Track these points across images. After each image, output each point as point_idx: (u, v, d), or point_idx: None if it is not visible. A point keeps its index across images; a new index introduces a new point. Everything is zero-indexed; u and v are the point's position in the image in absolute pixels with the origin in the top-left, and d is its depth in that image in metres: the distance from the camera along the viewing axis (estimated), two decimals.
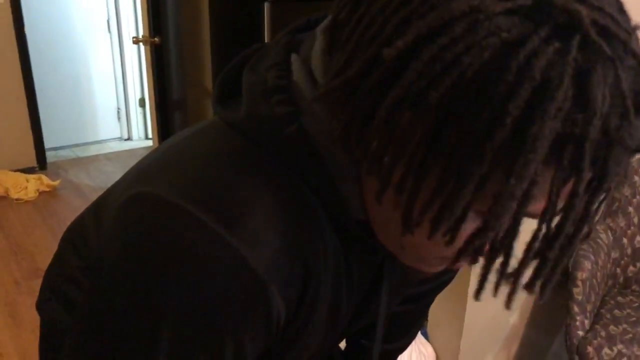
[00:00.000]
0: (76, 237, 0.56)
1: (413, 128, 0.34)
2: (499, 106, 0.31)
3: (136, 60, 4.09)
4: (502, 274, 0.37)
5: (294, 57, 0.45)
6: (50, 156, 3.69)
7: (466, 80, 0.32)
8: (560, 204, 0.35)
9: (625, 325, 1.48)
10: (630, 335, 1.44)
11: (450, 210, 0.35)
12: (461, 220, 0.35)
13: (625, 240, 1.64)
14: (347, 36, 0.38)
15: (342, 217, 0.46)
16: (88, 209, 0.57)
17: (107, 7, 3.95)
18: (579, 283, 1.41)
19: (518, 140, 0.32)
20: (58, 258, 0.60)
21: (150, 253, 0.40)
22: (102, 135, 4.21)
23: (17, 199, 3.11)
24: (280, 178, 0.43)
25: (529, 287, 0.38)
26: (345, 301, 0.52)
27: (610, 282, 1.64)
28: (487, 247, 0.37)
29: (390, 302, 0.61)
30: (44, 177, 3.32)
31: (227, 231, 0.39)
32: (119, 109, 4.24)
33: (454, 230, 0.36)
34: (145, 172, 0.45)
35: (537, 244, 0.37)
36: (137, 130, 4.28)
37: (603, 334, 1.43)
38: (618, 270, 1.66)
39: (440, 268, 0.48)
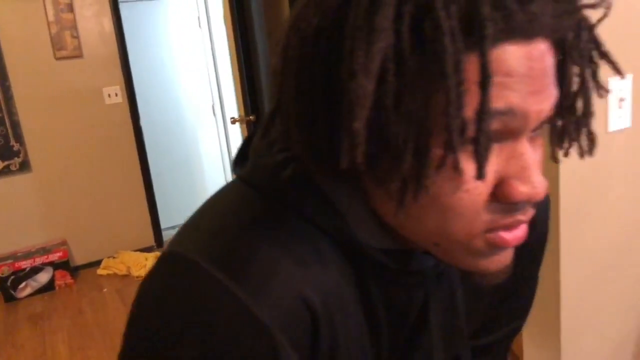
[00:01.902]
0: None
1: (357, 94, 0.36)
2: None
3: (239, 138, 4.37)
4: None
5: None
6: (166, 235, 3.98)
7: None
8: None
9: None
10: None
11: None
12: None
13: None
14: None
15: (361, 250, 0.46)
16: None
17: (212, 93, 4.32)
18: None
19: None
20: None
21: (161, 302, 0.43)
22: None
23: (137, 277, 3.37)
24: (284, 225, 0.44)
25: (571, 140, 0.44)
26: (369, 345, 0.50)
27: None
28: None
29: (447, 345, 0.56)
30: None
31: (230, 281, 0.41)
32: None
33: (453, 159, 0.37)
34: (178, 232, 0.49)
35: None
36: None
37: None
38: None
39: (487, 249, 0.43)
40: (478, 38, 0.33)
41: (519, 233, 0.42)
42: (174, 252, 0.45)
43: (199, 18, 4.26)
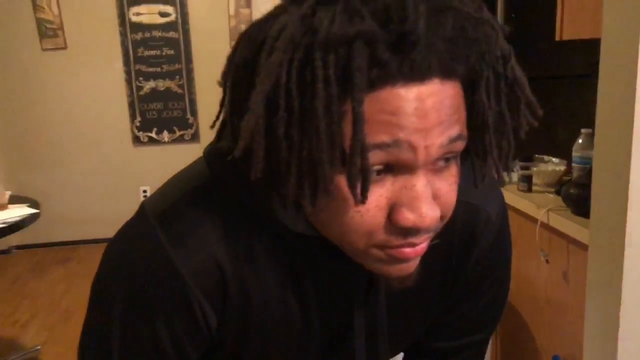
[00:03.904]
0: None
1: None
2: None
3: None
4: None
5: None
6: None
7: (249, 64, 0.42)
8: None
9: None
10: None
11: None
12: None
13: None
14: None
15: (286, 234, 0.50)
16: None
17: None
18: None
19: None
20: None
21: (115, 240, 0.55)
22: None
23: None
24: (217, 199, 0.51)
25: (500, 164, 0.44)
26: (300, 319, 0.56)
27: None
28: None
29: (373, 336, 0.59)
30: None
31: (161, 233, 0.50)
32: None
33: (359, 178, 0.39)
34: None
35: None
36: None
37: None
38: None
39: (387, 258, 0.46)
40: (350, 86, 0.37)
41: (417, 248, 0.45)
42: (142, 202, 0.55)
43: None
